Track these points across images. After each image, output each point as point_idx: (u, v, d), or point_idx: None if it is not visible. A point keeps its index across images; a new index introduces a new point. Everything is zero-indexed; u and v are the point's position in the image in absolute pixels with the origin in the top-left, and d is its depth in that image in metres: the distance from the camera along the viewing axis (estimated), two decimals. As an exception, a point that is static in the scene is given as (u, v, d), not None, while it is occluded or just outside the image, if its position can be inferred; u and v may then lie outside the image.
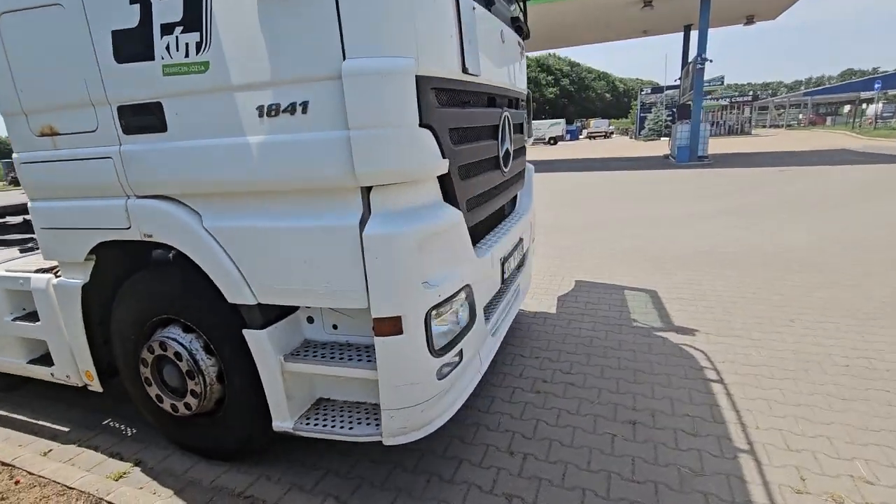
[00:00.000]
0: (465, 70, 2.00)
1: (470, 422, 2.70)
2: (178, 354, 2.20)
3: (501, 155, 2.64)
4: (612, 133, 49.84)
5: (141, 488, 2.31)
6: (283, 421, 2.14)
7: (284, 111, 1.71)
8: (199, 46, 1.75)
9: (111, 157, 2.04)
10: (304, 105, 1.68)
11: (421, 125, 1.75)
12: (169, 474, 2.41)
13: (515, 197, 3.35)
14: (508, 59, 2.77)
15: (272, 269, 1.93)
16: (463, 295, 2.11)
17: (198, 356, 2.19)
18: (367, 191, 1.78)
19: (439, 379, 2.01)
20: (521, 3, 3.22)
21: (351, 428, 2.04)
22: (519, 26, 3.02)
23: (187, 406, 2.27)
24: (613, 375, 3.13)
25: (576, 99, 75.63)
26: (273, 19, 1.64)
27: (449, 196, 2.05)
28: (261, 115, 1.74)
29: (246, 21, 1.67)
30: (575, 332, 3.83)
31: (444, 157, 1.90)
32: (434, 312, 1.91)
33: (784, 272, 4.96)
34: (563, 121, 43.15)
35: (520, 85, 3.10)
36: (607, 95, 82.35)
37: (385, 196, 1.79)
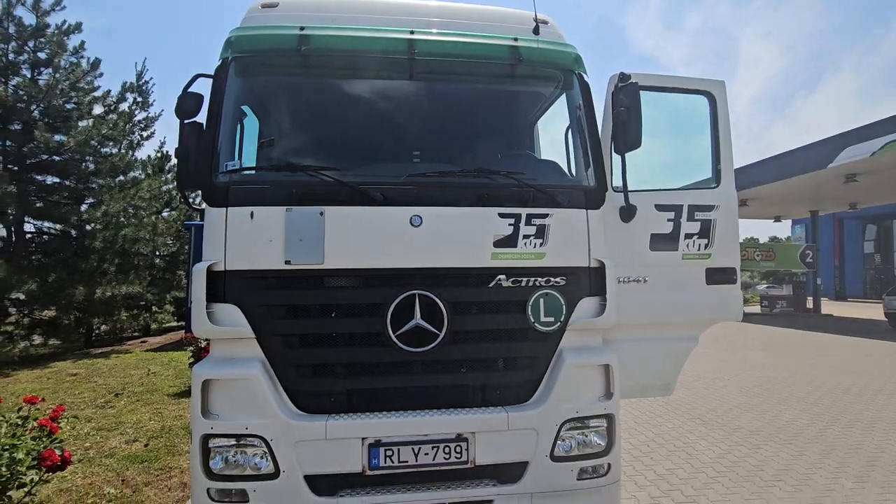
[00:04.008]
0: (287, 262, 2.55)
1: None
2: None
3: (395, 332, 2.58)
4: None
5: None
6: None
7: None
8: None
9: None
10: None
11: (224, 301, 2.56)
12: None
13: (466, 388, 2.74)
14: (430, 239, 2.65)
15: None
16: (255, 443, 2.49)
17: None
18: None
19: (211, 500, 2.48)
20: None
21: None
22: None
23: None
24: None
25: None
26: None
27: (269, 356, 2.57)
28: None
29: None
30: None
31: (253, 326, 2.54)
32: (212, 440, 2.50)
33: None
34: None
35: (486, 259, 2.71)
36: None
37: (215, 346, 2.67)
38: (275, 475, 2.48)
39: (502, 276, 2.74)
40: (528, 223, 2.76)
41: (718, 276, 3.26)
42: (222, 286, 2.57)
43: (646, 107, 2.98)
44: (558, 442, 2.70)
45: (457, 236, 2.71)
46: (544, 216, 2.78)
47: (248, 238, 2.58)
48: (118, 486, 3.81)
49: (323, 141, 3.09)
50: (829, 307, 26.33)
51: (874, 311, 22.31)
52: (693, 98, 3.51)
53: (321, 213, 2.59)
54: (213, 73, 2.82)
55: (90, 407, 6.07)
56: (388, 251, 2.65)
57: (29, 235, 11.22)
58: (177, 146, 2.81)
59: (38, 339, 10.76)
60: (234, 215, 2.59)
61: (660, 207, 3.20)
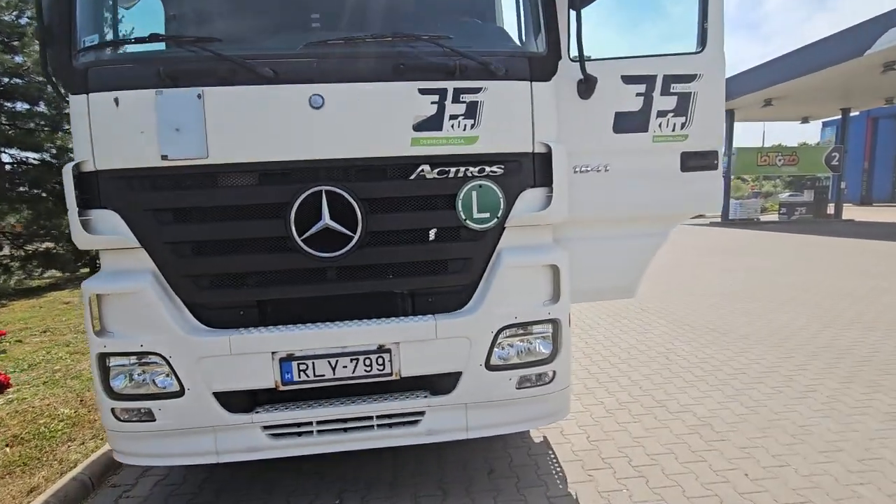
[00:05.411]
0: (164, 157, 2.15)
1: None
2: None
3: (301, 236, 2.24)
4: None
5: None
6: None
7: None
8: None
9: None
10: None
11: (100, 207, 2.21)
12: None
13: (394, 295, 2.47)
14: (335, 123, 2.20)
15: None
16: (155, 360, 2.27)
17: None
18: None
19: (117, 419, 2.33)
20: None
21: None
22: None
23: None
24: None
25: None
26: None
27: (161, 267, 2.27)
28: None
29: None
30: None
31: (136, 234, 2.21)
32: (110, 358, 2.28)
33: None
34: None
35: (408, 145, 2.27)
36: None
37: (104, 258, 2.37)
38: (180, 393, 2.29)
39: (426, 167, 2.32)
40: (455, 100, 2.28)
41: (696, 161, 2.78)
42: (96, 189, 2.21)
43: None
44: (495, 350, 2.44)
45: (368, 119, 2.25)
46: (476, 91, 2.29)
47: (117, 130, 2.17)
48: (75, 406, 3.78)
49: (201, 8, 2.55)
50: (852, 212, 25.39)
51: (898, 214, 21.37)
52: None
53: (199, 96, 2.14)
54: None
55: (72, 332, 6.10)
56: (286, 140, 2.22)
57: (9, 167, 10.93)
58: (36, 25, 2.31)
59: (36, 272, 10.87)
60: (97, 103, 2.15)
61: (627, 79, 2.65)
